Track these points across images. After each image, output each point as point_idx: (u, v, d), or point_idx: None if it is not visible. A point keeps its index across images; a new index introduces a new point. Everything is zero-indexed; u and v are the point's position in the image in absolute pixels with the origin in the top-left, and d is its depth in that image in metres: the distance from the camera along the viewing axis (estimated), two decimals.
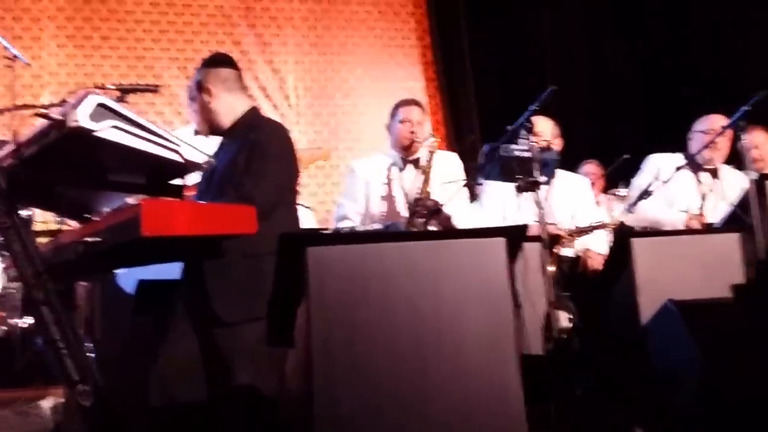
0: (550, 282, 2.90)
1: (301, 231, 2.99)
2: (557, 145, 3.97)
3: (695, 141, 4.10)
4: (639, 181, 4.06)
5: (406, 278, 2.03)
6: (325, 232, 4.07)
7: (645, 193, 3.44)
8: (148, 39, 6.32)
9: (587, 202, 4.14)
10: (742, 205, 3.32)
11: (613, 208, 5.10)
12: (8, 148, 2.24)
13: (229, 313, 2.54)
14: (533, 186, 2.99)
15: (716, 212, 3.94)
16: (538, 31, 7.05)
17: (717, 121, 4.03)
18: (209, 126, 2.85)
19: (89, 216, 2.54)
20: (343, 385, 1.97)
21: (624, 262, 3.18)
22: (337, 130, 6.69)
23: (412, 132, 3.63)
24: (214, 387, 2.60)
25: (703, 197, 4.03)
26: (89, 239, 2.20)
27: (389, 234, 3.14)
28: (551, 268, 2.99)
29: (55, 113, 2.13)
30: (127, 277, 3.35)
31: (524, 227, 2.17)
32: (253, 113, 2.86)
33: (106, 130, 2.13)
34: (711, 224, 3.85)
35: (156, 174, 2.40)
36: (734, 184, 4.00)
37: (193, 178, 2.76)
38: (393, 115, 3.77)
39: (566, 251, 3.87)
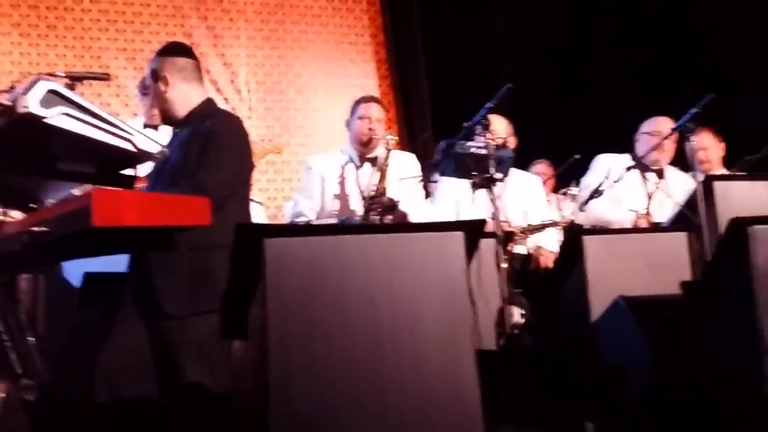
0: (504, 278, 2.92)
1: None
2: (511, 143, 4.01)
3: (642, 142, 4.19)
4: (588, 181, 4.13)
5: (364, 271, 2.02)
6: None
7: (596, 193, 3.50)
8: (95, 28, 6.17)
9: (539, 201, 4.20)
10: (690, 205, 3.40)
11: (562, 208, 5.18)
12: None
13: (175, 306, 2.49)
14: (489, 182, 3.00)
15: (662, 211, 4.05)
16: (491, 29, 7.11)
17: (662, 122, 4.13)
18: (163, 116, 2.79)
19: (34, 206, 2.46)
20: (299, 379, 1.94)
21: (575, 259, 3.23)
22: (289, 125, 6.65)
23: (371, 129, 3.62)
24: (162, 382, 2.55)
25: (650, 197, 4.12)
26: (36, 229, 2.12)
27: (348, 227, 3.13)
28: (504, 265, 3.01)
29: (4, 99, 2.06)
30: (74, 270, 3.26)
31: (482, 222, 2.17)
32: (208, 104, 2.81)
33: (57, 117, 2.07)
34: (658, 223, 3.94)
35: (107, 163, 2.34)
36: (679, 184, 4.12)
37: (145, 169, 2.70)
38: (352, 111, 3.76)
39: (519, 248, 3.92)
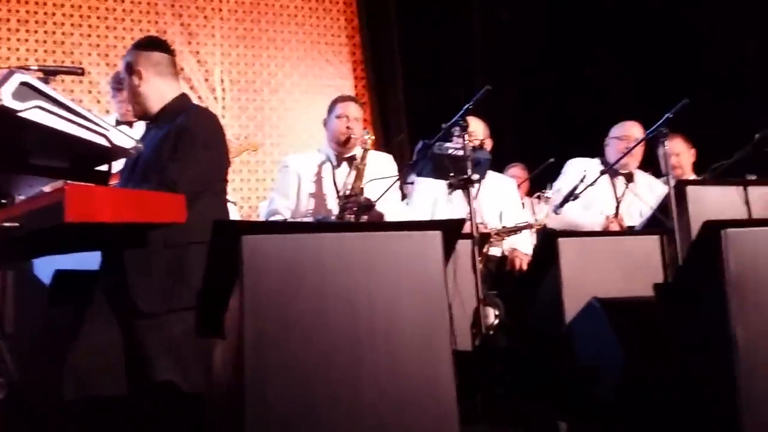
0: (480, 279, 2.93)
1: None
2: (488, 145, 4.03)
3: (611, 147, 4.24)
4: (561, 185, 4.16)
5: (342, 270, 2.01)
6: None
7: (572, 196, 3.53)
8: (68, 24, 6.10)
9: (514, 203, 4.23)
10: (662, 209, 3.44)
11: (536, 211, 5.21)
12: None
13: (149, 303, 2.46)
14: (466, 183, 3.01)
15: (630, 214, 4.10)
16: (468, 31, 7.14)
17: (631, 127, 4.20)
18: (136, 110, 2.76)
19: (4, 201, 2.41)
20: (275, 378, 1.92)
21: (550, 262, 3.25)
22: (264, 125, 6.62)
23: (348, 128, 3.62)
24: (134, 380, 2.51)
25: (618, 200, 4.17)
26: (6, 224, 2.08)
27: (326, 224, 3.11)
28: (481, 265, 3.02)
29: None
30: (44, 267, 3.20)
31: (461, 221, 2.17)
32: (183, 100, 2.78)
33: (30, 111, 2.03)
34: (630, 227, 3.98)
35: (81, 158, 2.31)
36: (647, 187, 4.19)
37: (119, 166, 2.66)
38: (330, 110, 3.75)
39: (494, 250, 3.94)
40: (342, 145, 3.66)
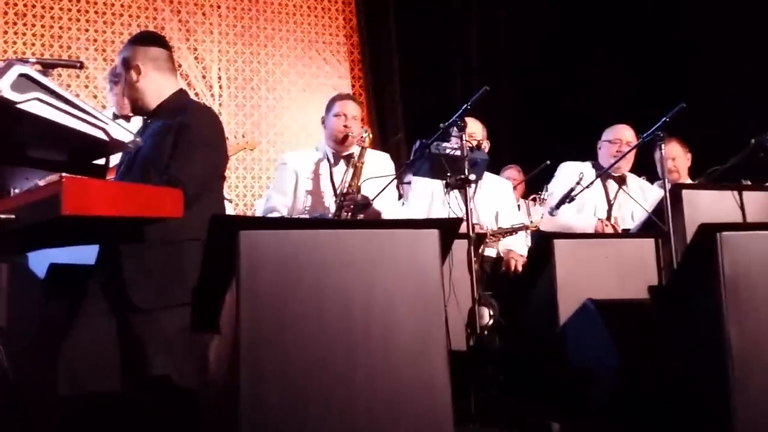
0: (476, 279, 2.93)
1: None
2: (485, 146, 4.03)
3: (603, 150, 4.26)
4: (554, 187, 4.17)
5: (339, 266, 2.01)
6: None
7: (570, 199, 3.54)
8: (66, 18, 6.09)
9: (510, 205, 4.24)
10: (657, 212, 3.45)
11: (531, 213, 5.23)
12: None
13: (143, 299, 2.45)
14: (464, 183, 3.01)
15: (622, 217, 4.12)
16: (465, 31, 7.15)
17: (622, 130, 4.22)
18: (133, 105, 2.74)
19: None
20: (271, 374, 1.92)
21: (545, 263, 3.26)
22: (260, 123, 6.61)
23: (346, 126, 3.62)
24: (128, 376, 2.50)
25: (611, 203, 4.18)
26: (2, 216, 2.07)
27: (324, 221, 3.11)
28: (476, 266, 3.02)
29: None
30: (39, 260, 3.19)
31: (458, 221, 2.18)
32: (181, 95, 2.77)
33: (29, 102, 2.02)
34: (625, 230, 3.99)
35: (79, 152, 2.29)
36: (638, 190, 4.20)
37: (116, 160, 2.65)
38: (328, 108, 3.75)
39: (489, 251, 3.94)
40: (340, 143, 3.66)
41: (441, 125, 3.09)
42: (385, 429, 2.01)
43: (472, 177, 3.02)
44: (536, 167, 5.43)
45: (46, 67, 2.73)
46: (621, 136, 4.17)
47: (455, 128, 3.12)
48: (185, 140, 2.53)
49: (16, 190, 2.44)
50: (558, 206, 3.56)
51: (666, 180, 3.40)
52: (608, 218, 4.10)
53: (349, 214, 3.42)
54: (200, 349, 2.40)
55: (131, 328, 2.47)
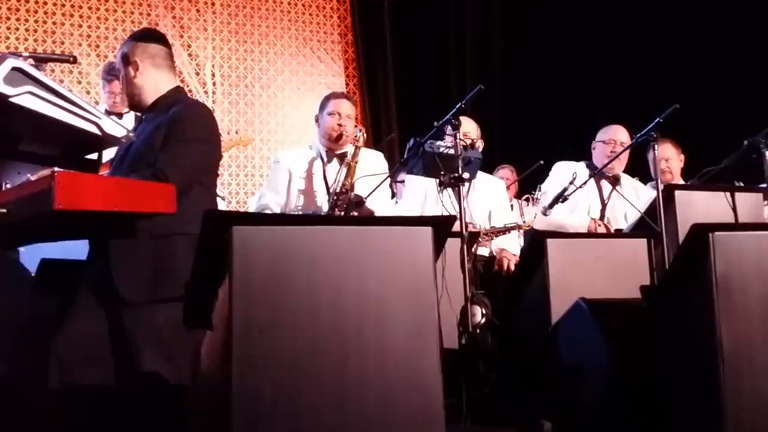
0: (468, 277, 2.93)
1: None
2: (479, 145, 4.04)
3: (598, 150, 4.27)
4: (548, 187, 4.18)
5: (332, 263, 2.00)
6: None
7: (563, 198, 3.54)
8: (59, 14, 6.07)
9: (503, 204, 4.24)
10: (649, 212, 3.46)
11: (524, 213, 5.23)
12: None
13: (134, 293, 2.44)
14: (457, 182, 3.01)
15: (615, 217, 4.13)
16: (461, 31, 7.15)
17: (617, 131, 4.23)
18: (131, 101, 2.75)
19: None
20: (263, 370, 1.91)
21: (538, 262, 3.26)
22: (254, 121, 6.61)
23: (340, 125, 3.61)
24: (119, 370, 2.49)
25: (605, 203, 4.19)
26: None
27: (317, 217, 3.11)
28: (469, 265, 3.02)
29: None
30: (30, 255, 3.18)
31: (452, 218, 2.17)
32: (177, 92, 2.77)
33: (22, 96, 2.02)
34: (620, 230, 4.01)
35: (72, 146, 2.29)
36: (632, 190, 4.22)
37: (109, 155, 2.65)
38: (322, 107, 3.74)
39: (482, 250, 3.94)
40: (334, 142, 3.66)
41: (435, 123, 3.09)
42: (376, 426, 2.00)
43: (466, 175, 3.02)
44: (529, 167, 5.45)
45: (39, 61, 2.73)
46: (615, 137, 4.19)
47: (449, 127, 3.12)
48: (175, 134, 2.53)
49: (8, 185, 2.43)
50: (551, 206, 3.57)
51: (659, 180, 3.41)
52: (602, 218, 4.12)
53: (343, 212, 3.42)
54: (192, 344, 2.39)
55: (122, 322, 2.46)
